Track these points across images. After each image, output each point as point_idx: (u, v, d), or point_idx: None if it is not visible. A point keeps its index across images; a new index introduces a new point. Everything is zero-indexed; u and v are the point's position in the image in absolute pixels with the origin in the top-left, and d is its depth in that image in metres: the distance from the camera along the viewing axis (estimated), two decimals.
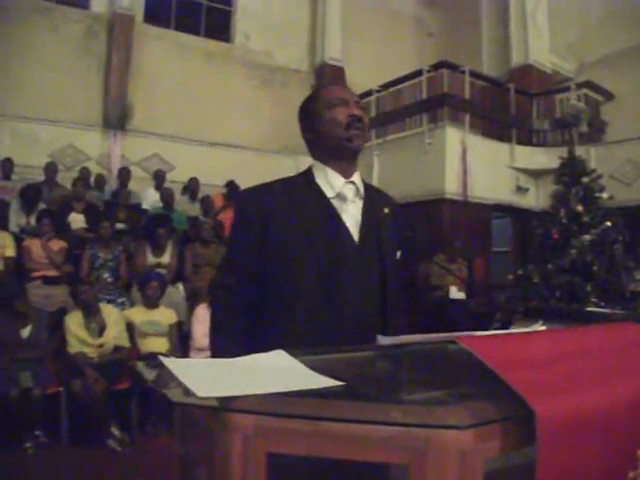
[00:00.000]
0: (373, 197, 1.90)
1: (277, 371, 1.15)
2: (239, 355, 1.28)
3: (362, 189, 1.86)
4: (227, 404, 0.94)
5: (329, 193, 1.80)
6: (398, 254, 1.91)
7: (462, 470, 0.86)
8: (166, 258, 6.63)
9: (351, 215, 1.80)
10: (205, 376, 1.09)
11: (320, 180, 1.82)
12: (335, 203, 1.79)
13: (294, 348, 1.31)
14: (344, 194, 1.80)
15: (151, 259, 6.56)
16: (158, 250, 6.61)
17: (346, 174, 1.82)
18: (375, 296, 1.81)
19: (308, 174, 1.86)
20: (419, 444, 0.87)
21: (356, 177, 1.85)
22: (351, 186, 1.82)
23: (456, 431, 0.86)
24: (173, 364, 1.13)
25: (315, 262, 1.72)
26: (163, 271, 6.42)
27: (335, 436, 0.89)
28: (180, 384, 1.02)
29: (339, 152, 1.81)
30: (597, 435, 0.95)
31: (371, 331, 1.58)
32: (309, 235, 1.73)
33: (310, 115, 1.86)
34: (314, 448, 0.90)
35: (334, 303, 1.71)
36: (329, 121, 1.79)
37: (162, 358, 1.17)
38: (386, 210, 1.90)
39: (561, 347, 1.16)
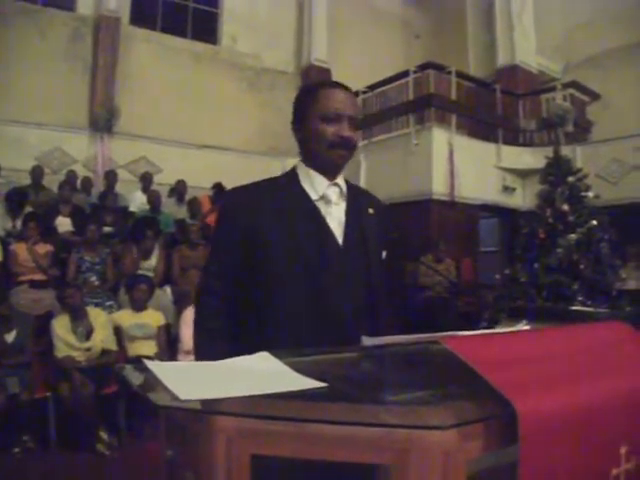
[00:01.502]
0: (357, 198, 1.89)
1: (261, 373, 1.15)
2: (222, 356, 1.27)
3: (346, 191, 1.86)
4: (210, 406, 0.94)
5: (313, 195, 1.80)
6: (384, 254, 1.92)
7: (445, 470, 0.87)
8: (153, 261, 6.61)
9: (335, 217, 1.80)
10: (188, 379, 1.09)
11: (304, 182, 1.82)
12: (319, 205, 1.79)
13: (279, 349, 1.31)
14: (328, 196, 1.80)
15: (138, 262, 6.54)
16: (145, 253, 6.58)
17: (330, 177, 1.82)
18: (361, 297, 1.81)
19: (292, 175, 1.86)
20: (402, 445, 0.87)
21: (340, 179, 1.85)
22: (335, 188, 1.82)
23: (439, 431, 0.86)
24: (157, 367, 1.13)
25: (300, 264, 1.72)
26: (150, 274, 6.39)
27: (319, 437, 0.89)
28: (164, 387, 1.02)
29: (320, 163, 1.81)
30: (579, 433, 0.96)
31: (357, 332, 1.58)
32: (293, 237, 1.73)
33: (301, 115, 1.83)
34: (298, 450, 0.90)
35: (319, 304, 1.71)
36: (317, 134, 1.77)
37: (146, 361, 1.16)
38: (371, 211, 1.90)
39: (544, 346, 1.17)
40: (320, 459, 0.90)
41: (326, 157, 1.78)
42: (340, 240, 1.78)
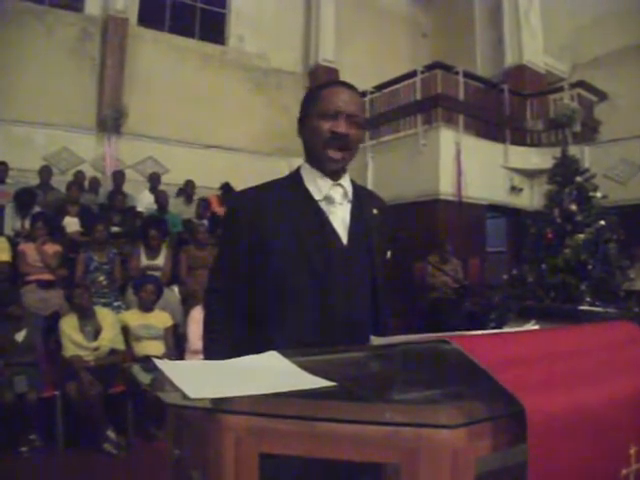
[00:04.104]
0: (362, 199, 1.89)
1: (270, 372, 1.15)
2: (230, 356, 1.28)
3: (350, 191, 1.86)
4: (219, 405, 0.94)
5: (317, 196, 1.80)
6: (388, 254, 1.92)
7: (454, 469, 0.87)
8: (160, 260, 6.61)
9: (339, 217, 1.80)
10: (197, 377, 1.09)
11: (308, 183, 1.83)
12: (323, 206, 1.80)
13: (286, 349, 1.32)
14: (332, 197, 1.81)
15: (145, 261, 6.54)
16: (152, 252, 6.59)
17: (334, 177, 1.82)
18: (365, 296, 1.82)
19: (296, 176, 1.87)
20: (411, 443, 0.87)
21: (344, 180, 1.86)
22: (339, 189, 1.83)
23: (448, 430, 0.86)
24: (166, 366, 1.13)
25: (305, 264, 1.72)
26: (157, 273, 6.40)
27: (327, 436, 0.89)
28: (173, 386, 1.02)
29: (318, 163, 1.82)
30: (589, 433, 0.95)
31: (362, 331, 1.59)
32: (298, 238, 1.73)
33: (304, 114, 1.84)
34: (306, 448, 0.90)
35: (324, 304, 1.72)
36: (314, 130, 1.78)
37: (155, 360, 1.16)
38: (375, 211, 1.90)
39: (553, 346, 1.16)
40: (329, 458, 0.90)
41: (321, 157, 1.78)
42: (344, 240, 1.78)
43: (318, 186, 1.81)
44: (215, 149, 11.31)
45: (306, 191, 1.81)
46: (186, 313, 5.95)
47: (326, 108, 1.76)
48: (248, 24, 12.61)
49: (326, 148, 1.76)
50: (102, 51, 10.72)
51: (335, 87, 1.82)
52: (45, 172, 8.37)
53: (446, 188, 9.46)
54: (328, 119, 1.75)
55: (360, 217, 1.84)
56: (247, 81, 12.33)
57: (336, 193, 1.82)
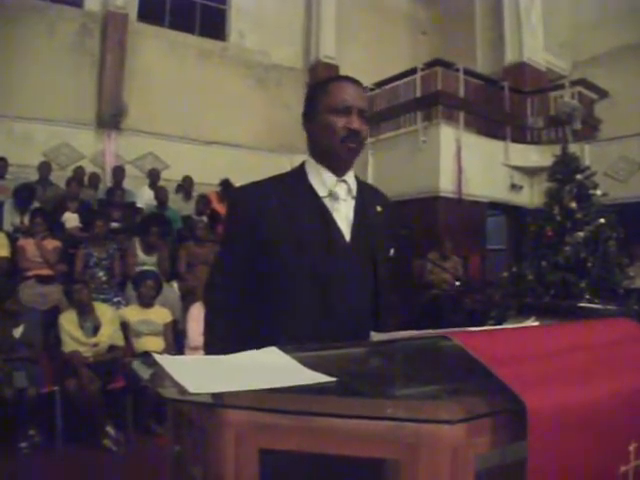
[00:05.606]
0: (366, 195, 1.88)
1: (270, 367, 1.15)
2: (231, 353, 1.27)
3: (354, 188, 1.85)
4: (220, 400, 0.94)
5: (321, 192, 1.79)
6: (391, 251, 1.91)
7: (454, 464, 0.87)
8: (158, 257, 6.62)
9: (343, 214, 1.79)
10: (198, 372, 1.09)
11: (312, 178, 1.81)
12: (327, 202, 1.78)
13: (286, 345, 1.31)
14: (336, 193, 1.79)
15: (143, 257, 6.54)
16: (150, 249, 6.58)
17: (339, 173, 1.81)
18: (368, 293, 1.81)
19: (300, 172, 1.85)
20: (411, 439, 0.87)
21: (349, 176, 1.84)
22: (343, 185, 1.81)
23: (448, 426, 0.86)
24: (166, 361, 1.13)
25: (307, 261, 1.71)
26: (154, 269, 6.40)
27: (327, 431, 0.89)
28: (173, 381, 1.02)
29: (330, 158, 1.80)
30: (588, 429, 0.95)
31: (364, 328, 1.59)
32: (301, 234, 1.72)
33: (311, 109, 1.83)
34: (306, 444, 0.90)
35: (326, 301, 1.71)
36: (326, 126, 1.76)
37: (155, 355, 1.16)
38: (378, 208, 1.89)
39: (553, 342, 1.16)
40: (329, 453, 0.90)
41: (336, 151, 1.76)
42: (347, 237, 1.77)
43: (322, 182, 1.80)
44: (215, 145, 11.28)
45: (310, 187, 1.80)
46: (185, 309, 5.95)
47: (337, 103, 1.75)
48: (248, 20, 12.57)
49: (341, 143, 1.75)
50: (102, 47, 10.66)
51: (343, 82, 1.81)
52: (44, 168, 8.34)
53: (446, 185, 9.46)
54: (340, 115, 1.74)
55: (364, 214, 1.83)
56: (247, 77, 12.29)
57: (340, 189, 1.80)
